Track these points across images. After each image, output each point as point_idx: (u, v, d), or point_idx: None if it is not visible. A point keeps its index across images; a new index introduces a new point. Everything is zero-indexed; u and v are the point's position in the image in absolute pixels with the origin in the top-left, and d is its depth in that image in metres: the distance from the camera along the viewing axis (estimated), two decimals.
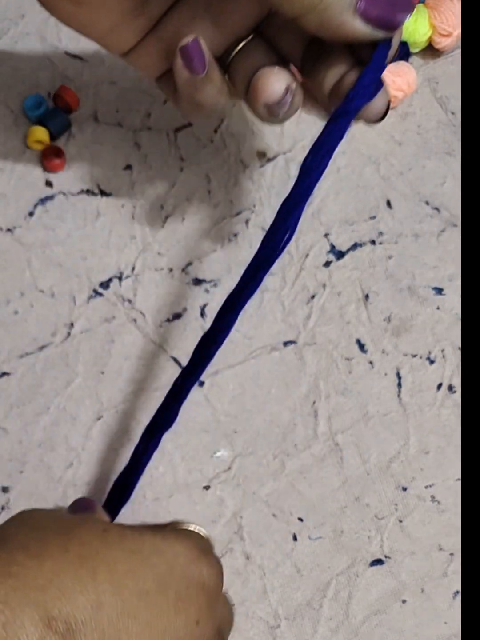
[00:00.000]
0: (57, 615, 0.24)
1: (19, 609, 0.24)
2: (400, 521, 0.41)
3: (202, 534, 0.36)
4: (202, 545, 0.31)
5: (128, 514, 0.39)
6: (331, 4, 0.31)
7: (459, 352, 0.43)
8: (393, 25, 0.31)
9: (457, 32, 0.47)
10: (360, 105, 0.33)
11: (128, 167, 0.46)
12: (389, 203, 0.45)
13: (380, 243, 0.45)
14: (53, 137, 0.46)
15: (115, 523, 0.31)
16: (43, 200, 0.45)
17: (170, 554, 0.29)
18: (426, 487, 0.41)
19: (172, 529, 0.35)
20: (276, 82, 0.34)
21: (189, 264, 0.44)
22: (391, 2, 0.31)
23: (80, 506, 0.35)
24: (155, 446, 0.37)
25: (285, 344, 0.43)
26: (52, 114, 0.45)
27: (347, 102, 0.32)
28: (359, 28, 0.31)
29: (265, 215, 0.45)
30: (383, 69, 0.33)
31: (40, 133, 0.45)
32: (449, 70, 0.48)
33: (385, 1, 0.31)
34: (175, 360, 0.43)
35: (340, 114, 0.33)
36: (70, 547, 0.27)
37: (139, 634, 0.26)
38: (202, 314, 0.43)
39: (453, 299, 0.44)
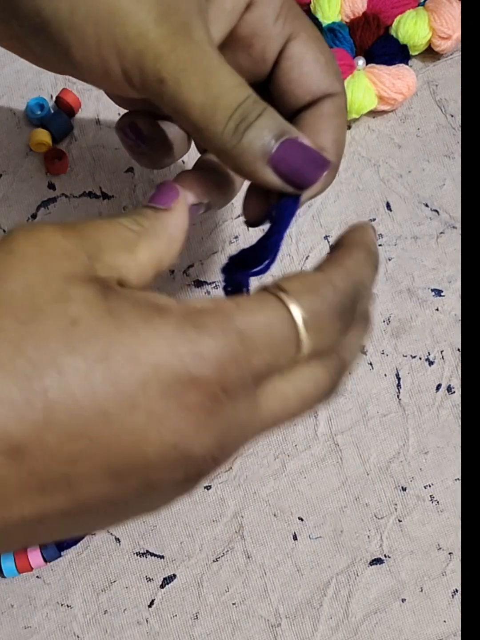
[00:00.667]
0: (2, 434, 0.22)
1: None
2: (400, 521, 0.41)
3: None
4: (220, 345, 0.24)
5: None
6: (245, 151, 0.30)
7: (458, 353, 0.43)
8: (303, 184, 0.30)
9: (457, 34, 0.47)
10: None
11: (130, 169, 0.46)
12: (388, 205, 0.46)
13: (380, 245, 0.45)
14: (55, 140, 0.46)
15: (96, 308, 0.24)
16: (46, 203, 0.45)
17: (150, 364, 0.23)
18: (425, 487, 0.42)
19: (189, 314, 0.25)
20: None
21: (191, 266, 0.44)
22: (305, 161, 0.30)
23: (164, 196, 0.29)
24: None
25: None
26: (54, 117, 0.46)
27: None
28: (270, 179, 0.30)
29: None
30: (286, 228, 0.31)
31: (43, 136, 0.45)
32: (449, 73, 0.48)
33: (299, 158, 0.30)
34: None
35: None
36: (23, 348, 0.22)
37: (94, 456, 0.23)
38: None
39: (452, 301, 0.44)
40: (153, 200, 0.29)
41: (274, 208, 0.31)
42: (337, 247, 0.29)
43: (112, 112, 0.47)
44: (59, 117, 0.46)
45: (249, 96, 0.30)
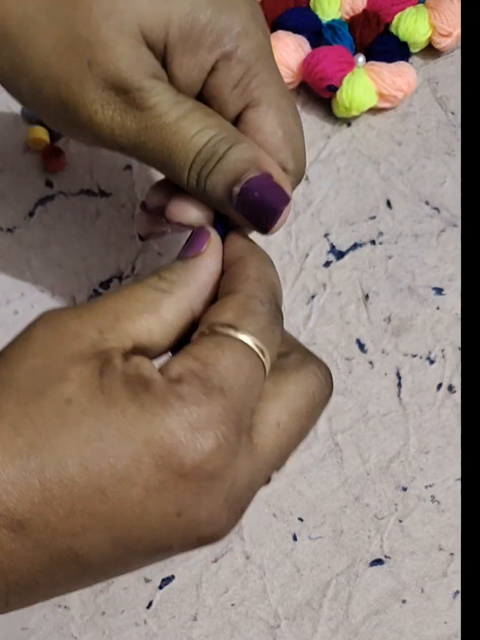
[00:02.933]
0: (3, 511, 0.23)
1: None
2: (400, 521, 0.41)
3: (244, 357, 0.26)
4: (207, 411, 0.25)
5: None
6: (210, 198, 0.31)
7: (458, 352, 0.43)
8: (266, 224, 0.31)
9: (457, 32, 0.47)
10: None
11: (128, 167, 0.46)
12: (389, 203, 0.46)
13: (380, 243, 0.45)
14: (53, 137, 0.46)
15: (90, 387, 0.24)
16: (43, 200, 0.45)
17: (140, 440, 0.24)
18: (426, 487, 0.41)
19: (170, 385, 0.25)
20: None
21: None
22: (265, 201, 0.30)
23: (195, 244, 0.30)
24: None
25: None
26: None
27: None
28: (238, 218, 0.31)
29: None
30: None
31: (41, 133, 0.45)
32: (449, 70, 0.48)
33: (259, 199, 0.30)
34: None
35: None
36: (22, 430, 0.24)
37: (96, 529, 0.24)
38: None
39: (453, 299, 0.44)
40: (185, 250, 0.30)
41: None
42: (230, 266, 0.29)
43: None
44: None
45: (211, 139, 0.31)
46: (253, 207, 0.30)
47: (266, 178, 0.30)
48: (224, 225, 0.31)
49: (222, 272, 0.29)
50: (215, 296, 0.29)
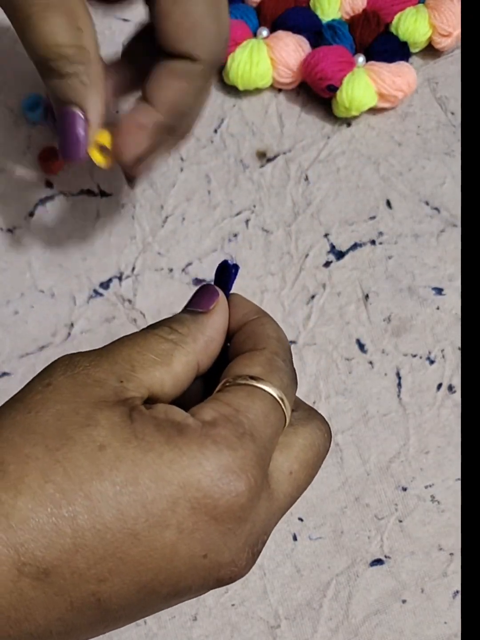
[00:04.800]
0: (30, 559, 0.23)
1: None
2: (400, 521, 0.41)
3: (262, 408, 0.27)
4: (240, 455, 0.25)
5: None
6: (50, 89, 0.36)
7: (458, 352, 0.43)
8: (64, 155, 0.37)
9: (457, 32, 0.47)
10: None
11: None
12: (388, 203, 0.45)
13: (380, 243, 0.45)
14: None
15: (122, 432, 0.25)
16: (43, 201, 0.45)
17: (177, 483, 0.24)
18: (426, 487, 0.41)
19: (205, 429, 0.26)
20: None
21: (189, 264, 0.44)
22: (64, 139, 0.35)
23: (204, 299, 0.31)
24: None
25: None
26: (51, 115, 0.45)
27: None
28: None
29: (265, 215, 0.45)
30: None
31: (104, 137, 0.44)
32: (449, 70, 0.48)
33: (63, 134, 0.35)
34: None
35: None
36: (52, 476, 0.24)
37: (124, 573, 0.24)
38: None
39: (453, 299, 0.44)
40: (193, 304, 0.30)
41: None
42: (244, 324, 0.31)
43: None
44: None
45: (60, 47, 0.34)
46: (60, 134, 0.35)
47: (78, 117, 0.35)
48: (225, 286, 0.32)
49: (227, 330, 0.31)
50: (220, 353, 0.30)
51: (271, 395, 0.27)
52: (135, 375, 0.27)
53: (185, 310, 0.30)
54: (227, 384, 0.28)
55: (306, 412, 0.29)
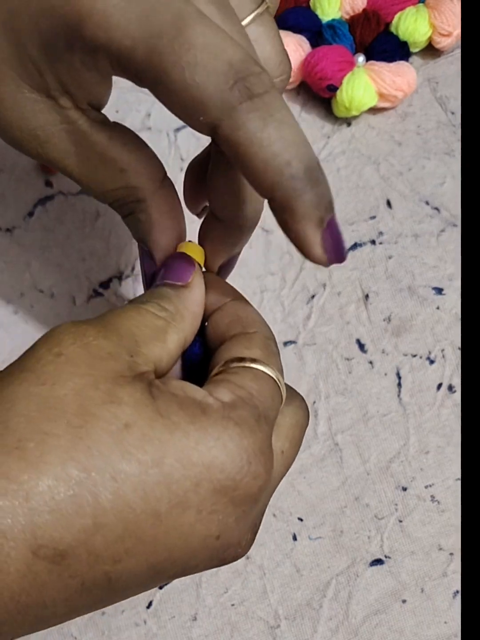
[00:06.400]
0: (48, 541, 0.22)
1: (4, 534, 0.22)
2: (400, 521, 0.41)
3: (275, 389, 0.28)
4: (260, 438, 0.25)
5: None
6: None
7: (458, 352, 0.43)
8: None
9: (457, 31, 0.47)
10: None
11: None
12: (388, 203, 0.45)
13: (380, 243, 0.45)
14: None
15: (146, 409, 0.24)
16: (43, 201, 0.45)
17: (202, 464, 0.24)
18: (426, 487, 0.41)
19: (226, 411, 0.26)
20: None
21: None
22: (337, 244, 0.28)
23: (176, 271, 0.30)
24: None
25: (285, 344, 0.43)
26: None
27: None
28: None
29: (265, 215, 0.45)
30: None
31: None
32: (449, 70, 0.48)
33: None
34: None
35: None
36: (75, 455, 0.23)
37: (140, 553, 0.24)
38: None
39: (453, 299, 0.44)
40: (168, 276, 0.30)
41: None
42: (225, 305, 0.30)
43: (110, 109, 0.46)
44: None
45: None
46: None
47: (144, 254, 0.33)
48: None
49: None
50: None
51: (272, 378, 0.28)
52: (141, 351, 0.26)
53: (165, 283, 0.30)
54: (232, 365, 0.28)
55: (288, 392, 0.30)
